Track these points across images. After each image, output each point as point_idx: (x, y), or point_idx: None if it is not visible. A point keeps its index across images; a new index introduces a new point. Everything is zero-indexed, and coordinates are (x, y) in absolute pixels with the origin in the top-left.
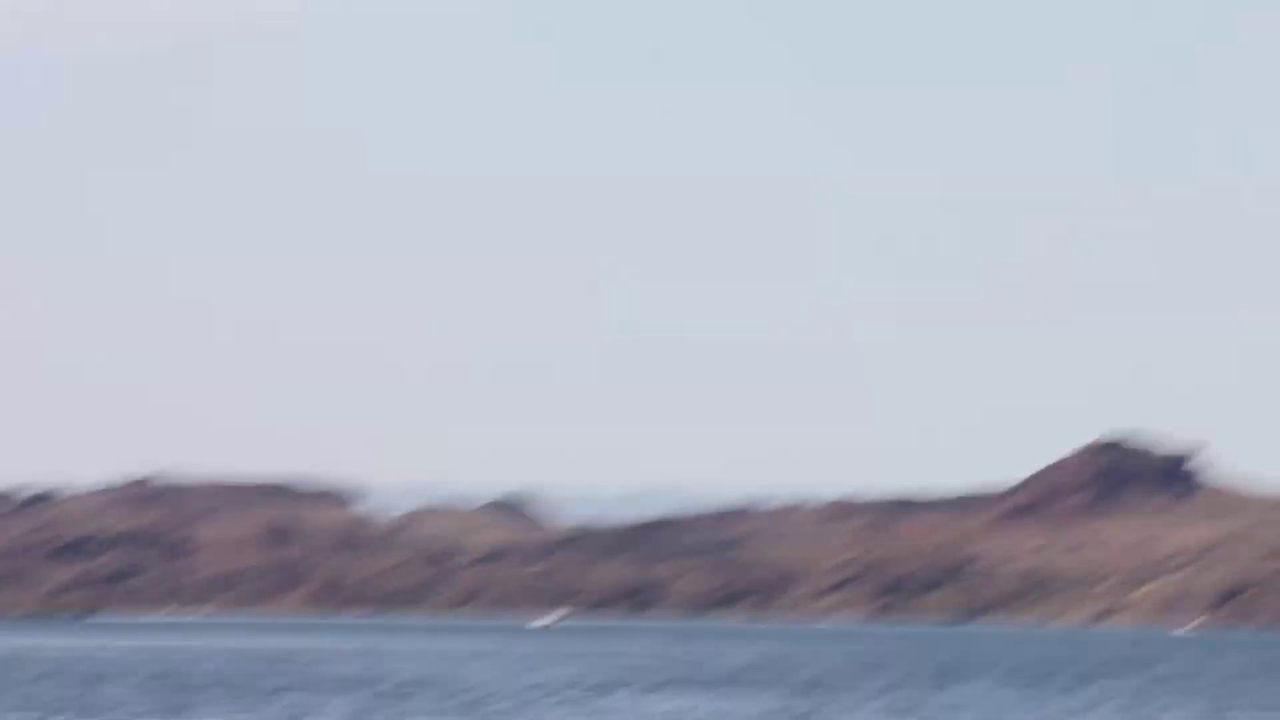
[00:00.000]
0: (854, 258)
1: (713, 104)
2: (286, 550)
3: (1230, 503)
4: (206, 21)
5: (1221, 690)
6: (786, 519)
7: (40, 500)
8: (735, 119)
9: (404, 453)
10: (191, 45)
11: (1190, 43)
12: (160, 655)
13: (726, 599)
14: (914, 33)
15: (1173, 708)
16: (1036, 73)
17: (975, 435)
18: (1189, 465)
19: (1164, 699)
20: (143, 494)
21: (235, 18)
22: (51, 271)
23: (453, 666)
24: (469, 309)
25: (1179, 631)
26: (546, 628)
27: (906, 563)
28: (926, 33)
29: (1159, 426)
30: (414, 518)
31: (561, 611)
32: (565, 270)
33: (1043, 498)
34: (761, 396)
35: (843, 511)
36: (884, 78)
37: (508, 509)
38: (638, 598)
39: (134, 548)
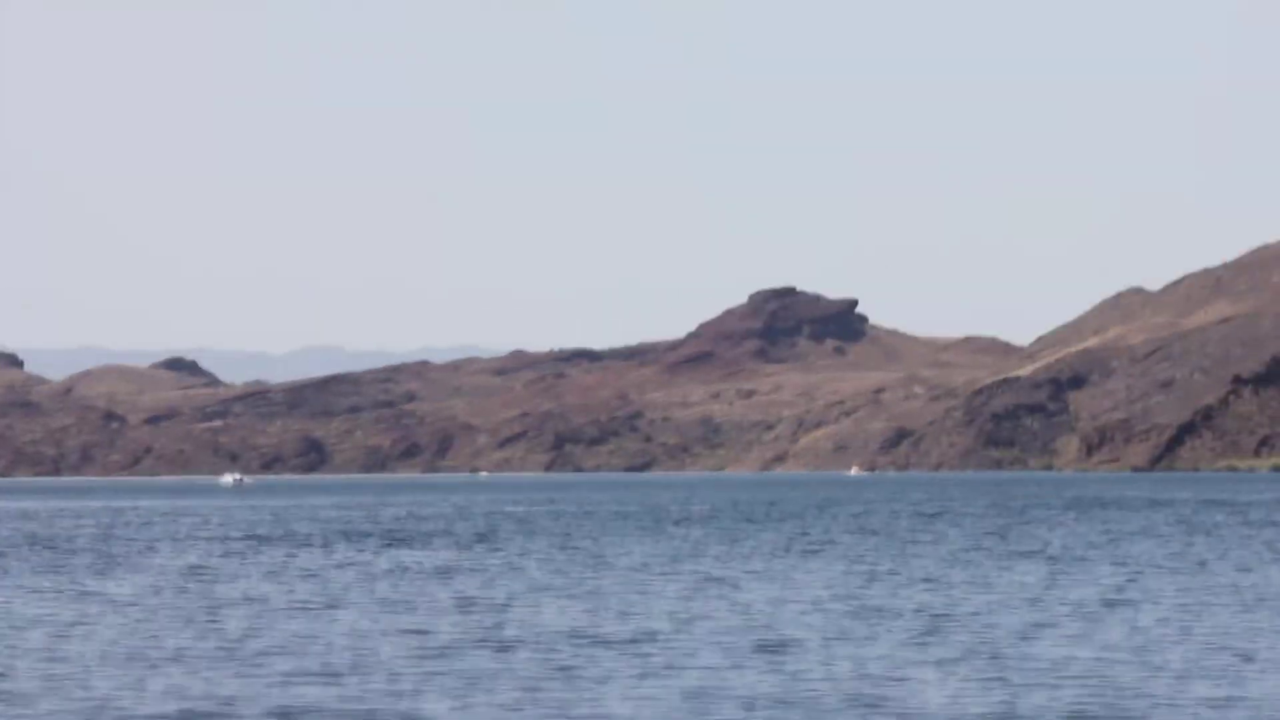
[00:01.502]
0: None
1: None
2: None
3: (893, 349)
4: None
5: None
6: (459, 373)
7: None
8: None
9: (68, 316)
10: None
11: None
12: None
13: (403, 453)
14: None
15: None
16: None
17: (643, 290)
18: (851, 314)
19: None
20: None
21: None
22: None
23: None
24: (142, 169)
25: (850, 474)
26: (234, 485)
27: (580, 414)
28: None
29: (815, 281)
30: (82, 378)
31: (242, 471)
32: (243, 131)
33: (712, 348)
34: (425, 253)
35: (515, 364)
36: None
37: (177, 369)
38: (313, 454)
39: None
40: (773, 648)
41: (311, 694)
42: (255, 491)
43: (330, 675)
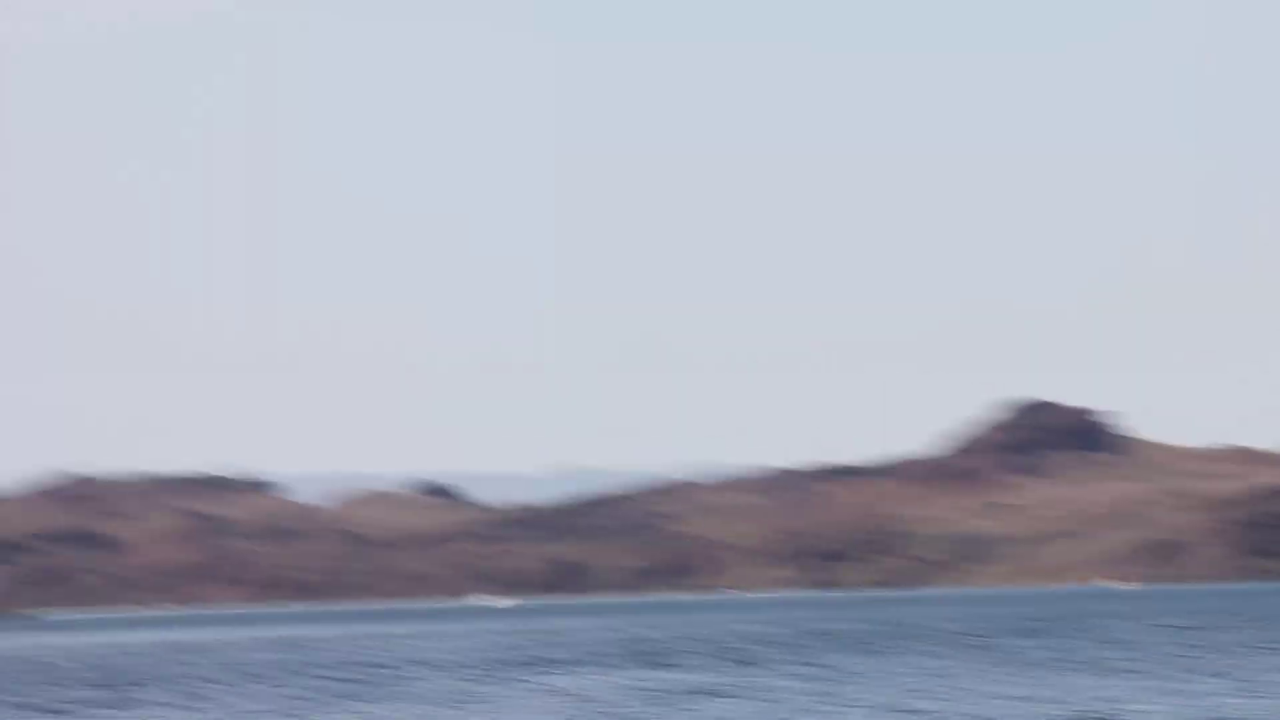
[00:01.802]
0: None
1: None
2: (216, 542)
3: (1146, 459)
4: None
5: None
6: (711, 493)
7: None
8: None
9: (323, 441)
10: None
11: None
12: (95, 651)
13: (657, 574)
14: None
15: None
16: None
17: (882, 405)
18: (1101, 424)
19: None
20: (66, 492)
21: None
22: None
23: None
24: (389, 302)
25: (1113, 588)
26: (493, 609)
27: (833, 531)
28: None
29: (1060, 391)
30: (341, 504)
31: (503, 594)
32: (494, 253)
33: (967, 461)
34: (671, 379)
35: (770, 483)
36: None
37: (436, 493)
38: (570, 577)
39: (62, 545)
40: None
41: None
42: (518, 614)
43: None
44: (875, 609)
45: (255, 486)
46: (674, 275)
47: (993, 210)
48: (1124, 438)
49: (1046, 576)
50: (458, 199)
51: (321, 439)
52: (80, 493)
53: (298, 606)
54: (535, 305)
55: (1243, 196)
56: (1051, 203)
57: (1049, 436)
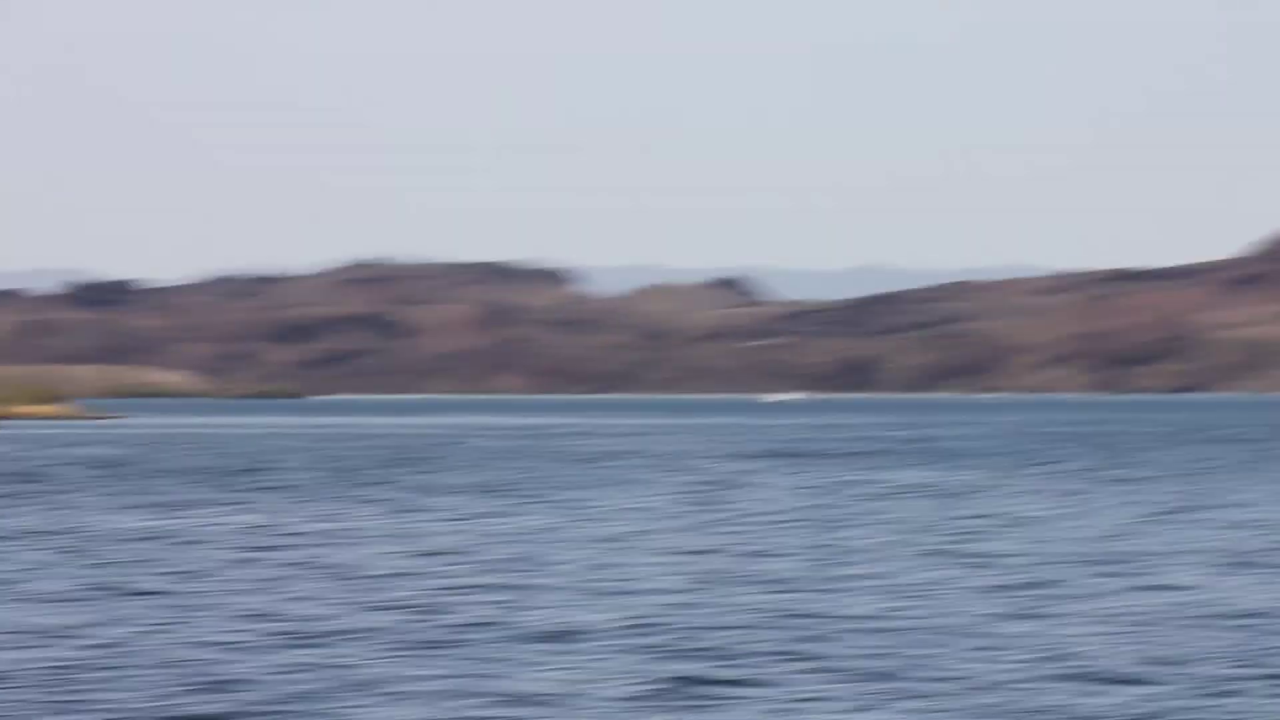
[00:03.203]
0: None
1: None
2: (505, 331)
3: None
4: None
5: None
6: (1006, 293)
7: (251, 282)
8: None
9: (621, 234)
10: None
11: None
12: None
13: (946, 373)
14: None
15: None
16: None
17: (1190, 207)
18: None
19: None
20: (362, 277)
21: None
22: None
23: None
24: (678, 88)
25: None
26: (781, 403)
27: (1127, 335)
28: None
29: None
30: (633, 296)
31: (793, 389)
32: (789, 51)
33: (1267, 267)
34: (970, 172)
35: (1062, 285)
36: None
37: (727, 288)
38: (861, 374)
39: (354, 330)
40: None
41: None
42: (808, 408)
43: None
44: (1170, 412)
45: (551, 277)
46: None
47: None
48: None
49: None
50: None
51: (621, 230)
52: (378, 277)
53: (588, 397)
54: (844, 113)
55: None
56: None
57: None
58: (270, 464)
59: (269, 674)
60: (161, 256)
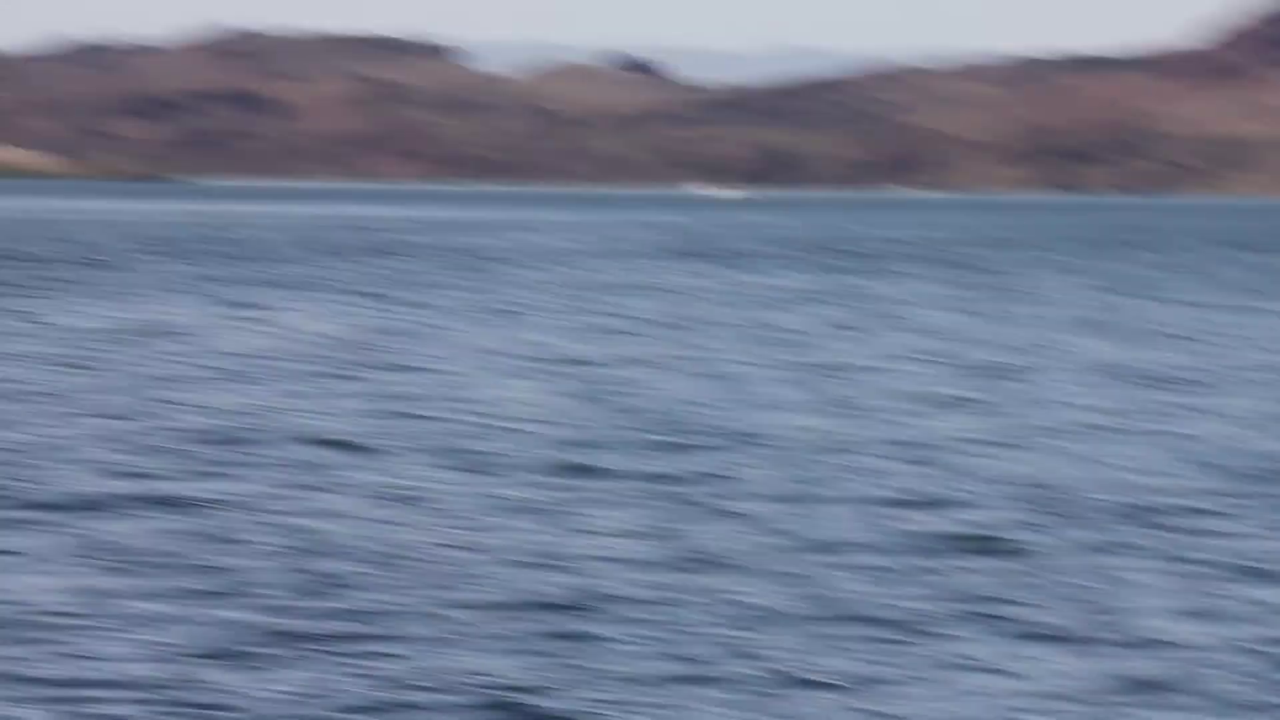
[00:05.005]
0: None
1: None
2: (391, 111)
3: None
4: None
5: None
6: (943, 81)
7: (103, 51)
8: None
9: (513, 6)
10: None
11: None
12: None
13: (882, 169)
14: None
15: None
16: None
17: None
18: None
19: None
20: (226, 49)
21: None
22: None
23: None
24: None
25: None
26: (714, 200)
27: (1077, 129)
28: None
29: None
30: (534, 78)
31: (713, 183)
32: None
33: (1223, 55)
34: None
35: (1010, 73)
36: None
37: (638, 70)
38: (782, 167)
39: (220, 108)
40: None
41: None
42: (739, 206)
43: None
44: (1118, 215)
45: (436, 52)
46: None
47: None
48: None
49: None
50: None
51: (511, 3)
52: (242, 49)
53: (478, 186)
54: None
55: None
56: None
57: None
58: None
59: None
60: None
